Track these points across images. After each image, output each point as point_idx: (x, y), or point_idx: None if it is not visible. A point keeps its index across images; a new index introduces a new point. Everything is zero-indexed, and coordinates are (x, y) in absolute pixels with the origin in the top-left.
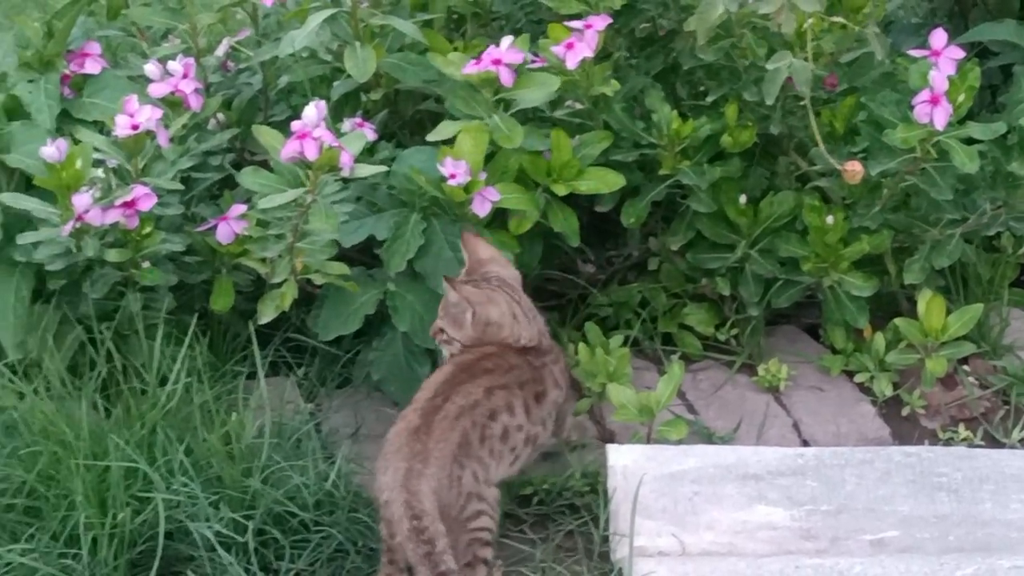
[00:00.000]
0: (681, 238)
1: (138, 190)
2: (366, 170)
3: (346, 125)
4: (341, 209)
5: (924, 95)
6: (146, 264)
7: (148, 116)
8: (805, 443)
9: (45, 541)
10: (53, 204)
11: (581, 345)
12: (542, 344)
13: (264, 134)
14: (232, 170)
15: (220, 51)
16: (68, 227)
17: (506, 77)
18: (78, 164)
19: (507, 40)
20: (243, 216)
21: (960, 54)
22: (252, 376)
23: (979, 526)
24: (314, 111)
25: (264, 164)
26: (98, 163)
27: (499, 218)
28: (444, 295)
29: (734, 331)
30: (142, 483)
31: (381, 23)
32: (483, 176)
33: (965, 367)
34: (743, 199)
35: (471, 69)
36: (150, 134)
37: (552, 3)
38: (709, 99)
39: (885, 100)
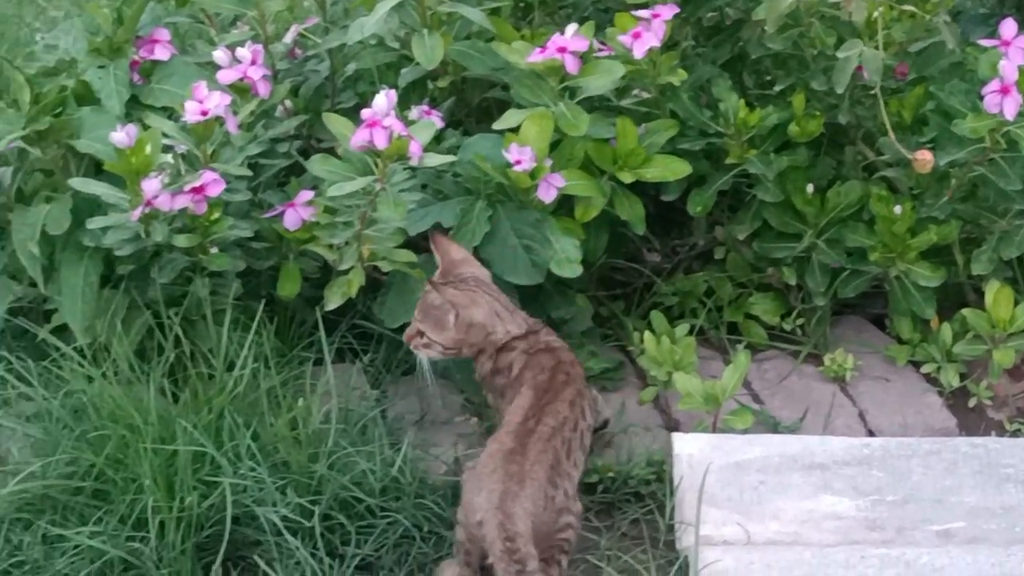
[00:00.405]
0: (747, 227)
1: (207, 176)
2: (435, 160)
3: (414, 113)
4: (409, 197)
5: (994, 85)
6: (214, 250)
7: (217, 102)
8: (871, 433)
9: (113, 524)
10: (122, 189)
11: (647, 333)
12: (531, 324)
13: (334, 122)
14: (299, 157)
15: (288, 38)
16: (137, 212)
17: (571, 65)
18: (147, 150)
19: (572, 28)
20: (310, 203)
21: None
22: (318, 362)
23: None
24: (384, 100)
25: (331, 151)
26: (167, 149)
27: (565, 206)
28: (420, 299)
29: (800, 321)
30: (209, 467)
31: (449, 11)
32: (548, 163)
33: None
34: (810, 188)
35: (536, 57)
36: (219, 120)
37: None
38: (776, 88)
39: (954, 90)
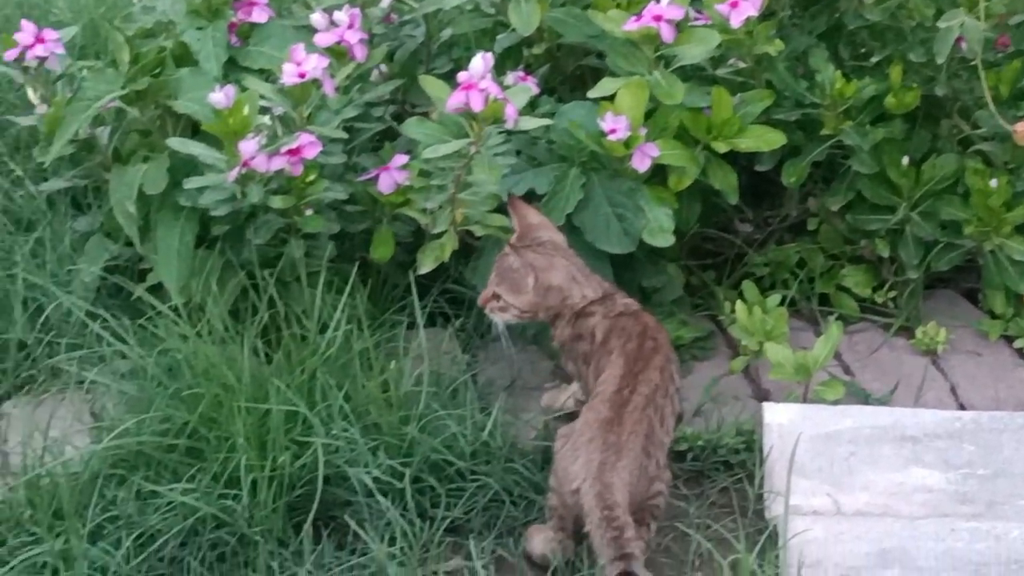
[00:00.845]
0: (841, 199)
1: (303, 138)
2: (530, 123)
3: (509, 78)
4: (504, 161)
5: None
6: (309, 212)
7: (315, 65)
8: (962, 407)
9: (206, 482)
10: (219, 150)
11: (739, 303)
12: (607, 288)
13: (430, 84)
14: (392, 122)
15: (384, 2)
16: (233, 173)
17: (667, 33)
18: (245, 111)
19: None
20: (405, 167)
21: None
22: (411, 326)
23: None
24: (480, 63)
25: (425, 116)
26: (264, 111)
27: (658, 175)
28: (498, 261)
29: (892, 293)
30: (302, 428)
31: None
32: (643, 132)
33: None
34: (905, 161)
35: (632, 25)
36: (316, 83)
37: None
38: (873, 60)
39: None
